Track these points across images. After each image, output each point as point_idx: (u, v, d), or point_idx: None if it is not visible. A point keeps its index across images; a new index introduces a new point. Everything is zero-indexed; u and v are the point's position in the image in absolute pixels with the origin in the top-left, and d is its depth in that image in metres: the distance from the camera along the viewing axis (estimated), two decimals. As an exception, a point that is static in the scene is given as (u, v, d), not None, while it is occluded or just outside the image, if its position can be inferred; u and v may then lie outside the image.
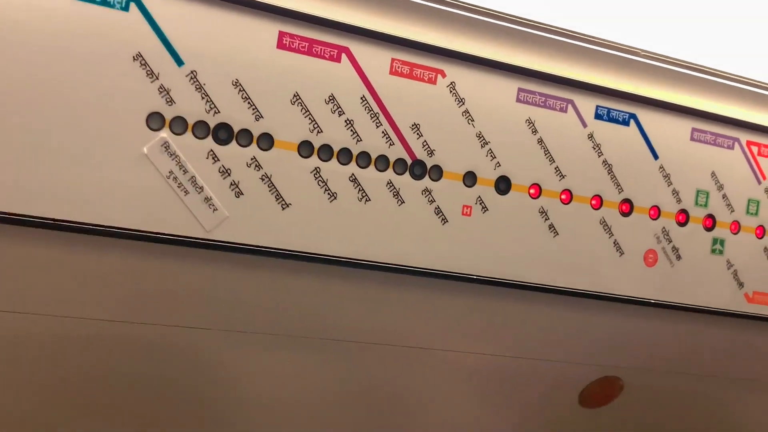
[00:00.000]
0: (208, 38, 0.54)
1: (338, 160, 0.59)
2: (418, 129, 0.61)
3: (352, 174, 0.59)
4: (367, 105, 0.59)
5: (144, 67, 0.53)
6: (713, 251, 0.73)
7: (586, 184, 0.67)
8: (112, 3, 0.52)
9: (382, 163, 0.60)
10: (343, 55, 0.58)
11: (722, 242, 0.73)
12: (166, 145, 0.54)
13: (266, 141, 0.57)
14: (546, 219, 0.66)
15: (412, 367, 0.70)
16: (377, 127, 0.60)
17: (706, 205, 0.72)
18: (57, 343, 0.59)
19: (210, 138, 0.55)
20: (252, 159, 0.57)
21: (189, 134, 0.55)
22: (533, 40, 0.64)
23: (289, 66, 0.56)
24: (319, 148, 0.58)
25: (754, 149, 0.73)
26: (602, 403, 0.80)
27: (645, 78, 0.68)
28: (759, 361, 0.81)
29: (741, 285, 0.74)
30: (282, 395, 0.69)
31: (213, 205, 0.56)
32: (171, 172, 0.55)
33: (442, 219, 0.62)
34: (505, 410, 0.78)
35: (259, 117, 0.56)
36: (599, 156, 0.67)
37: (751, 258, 0.74)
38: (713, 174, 0.72)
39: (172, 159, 0.55)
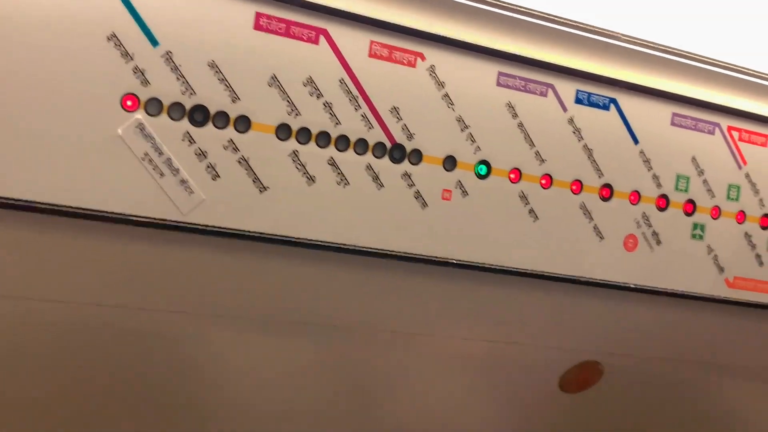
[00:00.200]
0: (184, 18, 0.54)
1: (317, 144, 0.58)
2: (398, 112, 0.60)
3: (331, 157, 0.59)
4: (345, 88, 0.59)
5: (118, 47, 0.52)
6: (693, 236, 0.73)
7: (566, 168, 0.66)
8: (85, -18, 0.51)
9: (361, 146, 0.60)
10: (321, 37, 0.58)
11: (702, 227, 0.73)
12: (141, 127, 0.54)
13: (243, 123, 0.56)
14: (526, 203, 0.65)
15: (391, 351, 0.70)
16: (356, 110, 0.59)
17: (686, 190, 0.72)
18: (25, 326, 0.59)
19: (186, 120, 0.55)
20: (229, 141, 0.56)
21: (164, 116, 0.54)
22: (514, 23, 0.63)
23: (267, 47, 0.56)
24: (298, 131, 0.58)
25: (735, 134, 0.73)
26: (582, 387, 0.80)
27: (625, 62, 0.68)
28: (739, 346, 0.82)
29: (721, 270, 0.74)
30: (260, 380, 0.69)
31: (189, 188, 0.55)
32: (146, 154, 0.54)
33: (422, 203, 0.62)
34: (484, 394, 0.79)
35: (235, 99, 0.56)
36: (579, 140, 0.67)
37: (732, 243, 0.74)
38: (694, 159, 0.72)
39: (147, 141, 0.54)
